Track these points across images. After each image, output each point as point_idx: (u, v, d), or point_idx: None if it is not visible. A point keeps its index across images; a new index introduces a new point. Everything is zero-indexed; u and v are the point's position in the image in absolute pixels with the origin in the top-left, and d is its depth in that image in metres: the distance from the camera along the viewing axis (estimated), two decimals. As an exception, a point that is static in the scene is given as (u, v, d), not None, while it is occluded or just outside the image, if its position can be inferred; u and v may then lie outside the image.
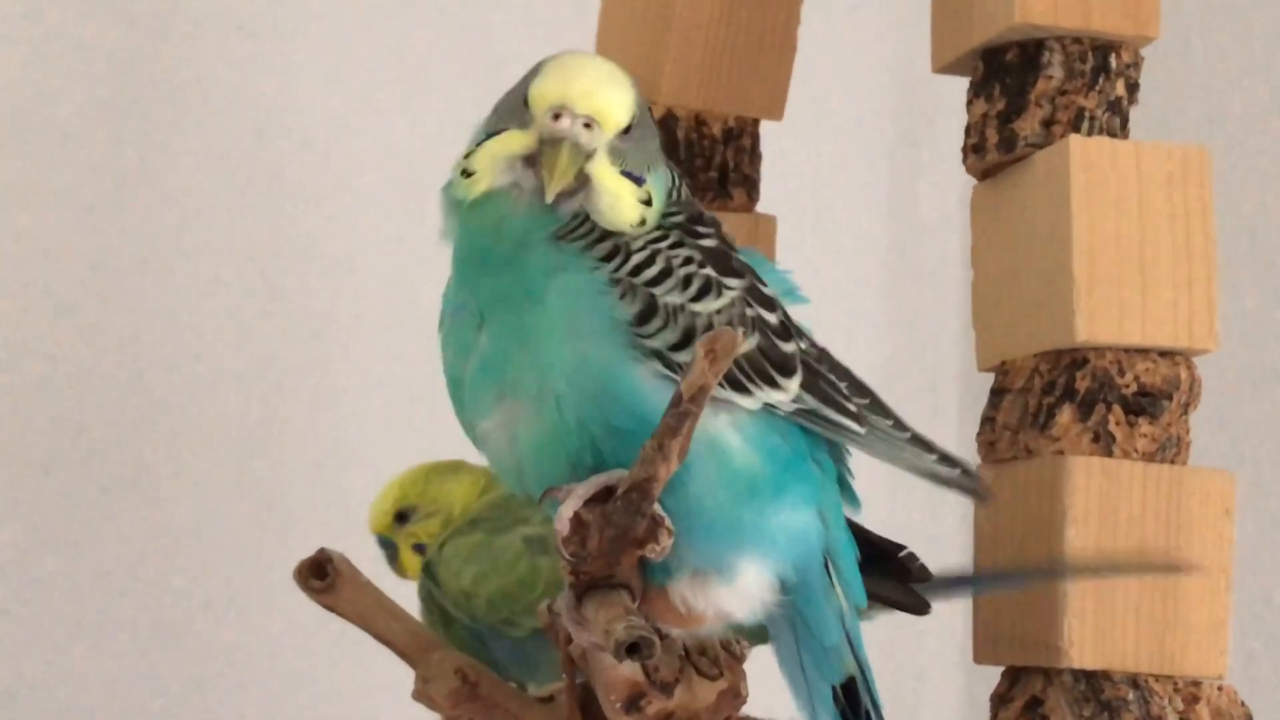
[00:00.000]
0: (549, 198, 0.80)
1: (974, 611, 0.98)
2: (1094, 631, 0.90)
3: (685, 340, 0.80)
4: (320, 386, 1.43)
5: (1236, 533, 0.93)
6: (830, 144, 1.60)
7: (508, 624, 1.03)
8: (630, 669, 0.81)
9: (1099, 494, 0.91)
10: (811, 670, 0.86)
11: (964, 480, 0.87)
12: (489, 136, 0.82)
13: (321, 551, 0.90)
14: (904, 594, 0.92)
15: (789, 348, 0.83)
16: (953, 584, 0.97)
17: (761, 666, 0.89)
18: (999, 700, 0.95)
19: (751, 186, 1.11)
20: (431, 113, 1.45)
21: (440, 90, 1.45)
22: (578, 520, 0.78)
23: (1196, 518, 0.92)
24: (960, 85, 1.01)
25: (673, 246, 0.82)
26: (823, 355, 0.85)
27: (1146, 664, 0.91)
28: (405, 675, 0.92)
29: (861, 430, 0.84)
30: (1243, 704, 0.93)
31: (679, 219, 0.84)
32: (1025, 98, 0.96)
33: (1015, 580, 0.94)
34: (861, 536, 0.88)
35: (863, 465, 0.88)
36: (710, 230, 0.84)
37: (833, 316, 1.55)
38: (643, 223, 0.82)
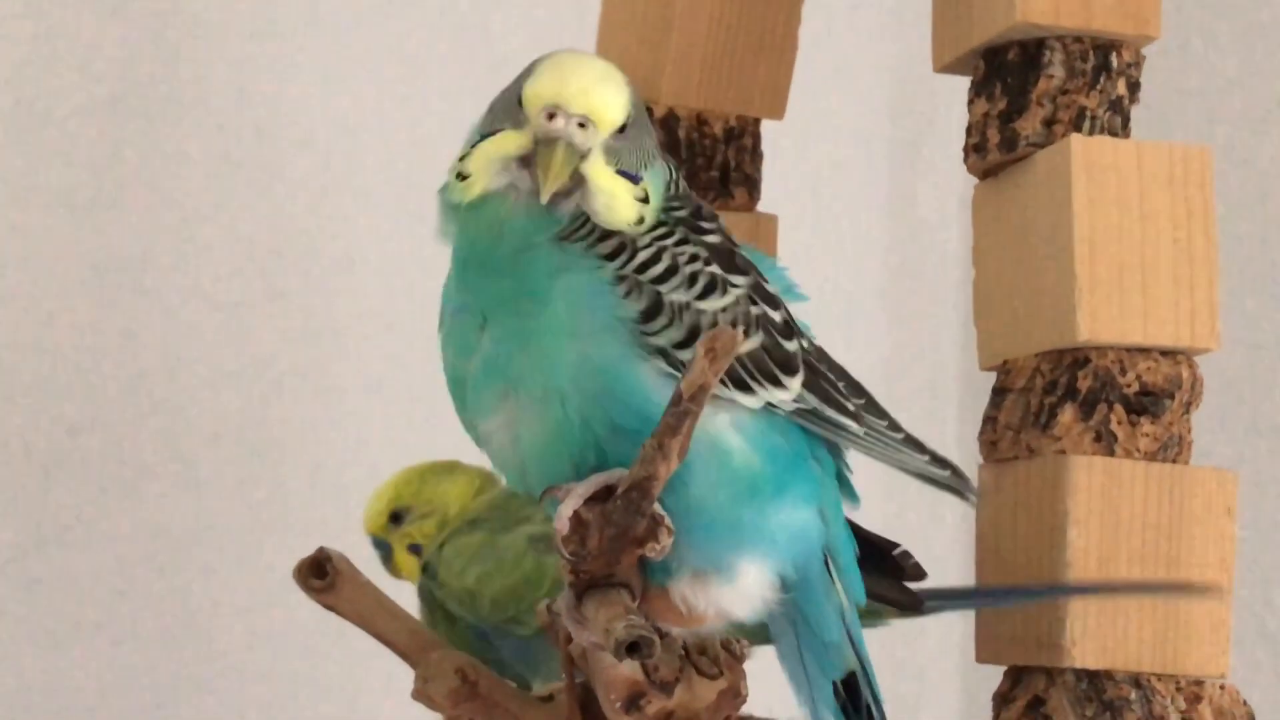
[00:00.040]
0: (544, 199, 0.80)
1: (975, 611, 0.98)
2: (1096, 631, 0.90)
3: (690, 338, 0.80)
4: (320, 386, 1.42)
5: (1237, 532, 0.93)
6: (830, 144, 1.60)
7: (514, 622, 1.03)
8: (630, 668, 0.81)
9: (1101, 493, 0.91)
10: (812, 666, 0.86)
11: (954, 481, 0.88)
12: (484, 137, 0.82)
13: (321, 551, 0.90)
14: (899, 592, 0.92)
15: (792, 346, 0.83)
16: (954, 597, 0.97)
17: (762, 666, 0.88)
18: (1001, 700, 0.94)
19: (753, 186, 1.11)
20: (431, 113, 1.45)
21: (440, 90, 1.45)
22: (577, 519, 0.78)
23: (1198, 517, 0.92)
24: (960, 85, 1.01)
25: (678, 243, 0.82)
26: (821, 354, 0.85)
27: (1149, 663, 0.91)
28: (405, 675, 0.92)
29: (860, 430, 0.84)
30: (1245, 703, 0.93)
31: (682, 213, 0.83)
32: (1026, 97, 0.96)
33: (1018, 597, 0.94)
34: (856, 535, 0.88)
35: (863, 465, 0.87)
36: (713, 225, 0.84)
37: (833, 316, 1.55)
38: (640, 221, 0.82)
